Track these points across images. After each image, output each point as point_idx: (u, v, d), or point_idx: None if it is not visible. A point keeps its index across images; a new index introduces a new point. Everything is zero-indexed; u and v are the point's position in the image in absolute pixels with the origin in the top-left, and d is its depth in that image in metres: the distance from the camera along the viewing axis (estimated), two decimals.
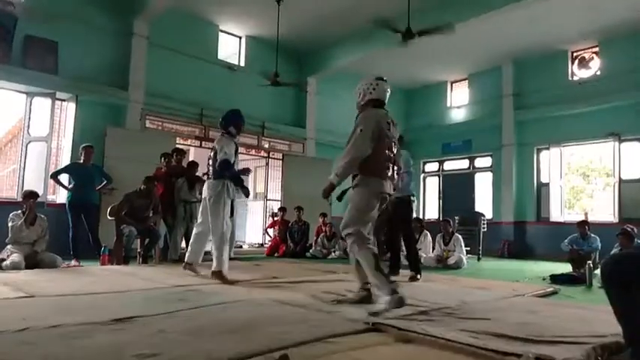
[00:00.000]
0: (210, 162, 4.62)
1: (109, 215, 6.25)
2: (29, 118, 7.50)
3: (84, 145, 6.54)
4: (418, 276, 5.01)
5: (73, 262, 5.87)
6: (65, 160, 7.60)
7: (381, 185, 3.24)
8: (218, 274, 4.36)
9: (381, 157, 3.23)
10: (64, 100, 7.85)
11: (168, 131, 8.90)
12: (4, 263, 5.00)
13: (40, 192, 6.30)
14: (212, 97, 9.31)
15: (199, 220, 4.79)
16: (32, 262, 5.22)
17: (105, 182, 6.67)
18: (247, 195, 4.83)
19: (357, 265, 3.27)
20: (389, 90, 3.49)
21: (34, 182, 7.12)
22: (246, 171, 5.05)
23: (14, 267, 4.91)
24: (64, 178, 6.53)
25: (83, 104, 7.78)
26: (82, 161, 6.43)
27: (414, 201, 5.43)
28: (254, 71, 9.95)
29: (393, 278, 3.22)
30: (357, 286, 3.40)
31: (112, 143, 7.70)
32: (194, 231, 4.86)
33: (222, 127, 4.71)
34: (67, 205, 6.27)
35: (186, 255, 4.86)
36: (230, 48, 10.34)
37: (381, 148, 3.24)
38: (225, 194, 4.49)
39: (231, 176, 4.51)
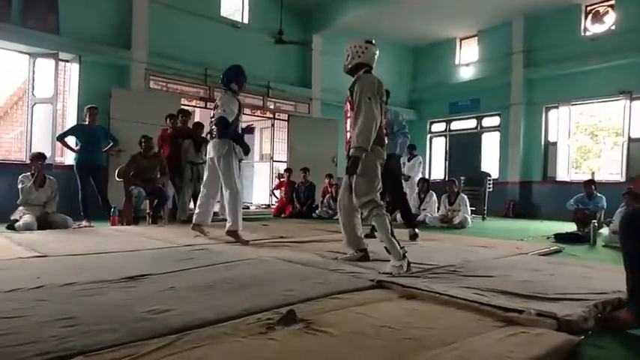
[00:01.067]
0: (214, 120, 4.52)
1: (117, 177, 6.31)
2: (33, 79, 7.44)
3: (88, 106, 6.51)
4: (416, 230, 5.06)
5: (84, 223, 5.97)
6: (71, 121, 7.59)
7: (382, 153, 3.35)
8: (233, 234, 4.35)
9: (381, 125, 3.28)
10: (67, 61, 7.76)
11: (172, 92, 8.81)
12: (17, 224, 5.11)
13: (48, 154, 6.34)
14: (216, 57, 9.14)
15: (205, 181, 4.69)
16: (44, 223, 5.33)
17: (111, 144, 6.69)
18: (247, 153, 4.70)
19: (349, 231, 3.50)
20: (377, 54, 3.45)
21: (42, 144, 7.14)
22: (250, 130, 4.95)
23: (27, 228, 5.02)
24: (71, 140, 6.54)
25: (87, 65, 7.69)
26: (87, 123, 6.42)
27: (404, 163, 5.44)
28: (258, 29, 9.73)
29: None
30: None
31: (117, 104, 7.65)
32: (201, 192, 4.76)
33: (223, 84, 4.60)
34: (74, 167, 6.32)
35: (194, 216, 4.78)
36: (233, 3, 10.03)
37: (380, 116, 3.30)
38: (233, 153, 4.42)
39: (226, 133, 4.38)
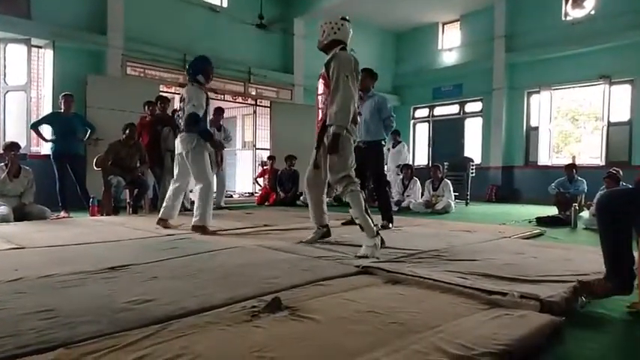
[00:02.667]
0: (181, 114, 4.33)
1: (95, 166, 6.17)
2: (4, 66, 7.20)
3: (63, 93, 6.33)
4: (390, 225, 4.82)
5: (62, 214, 5.84)
6: (46, 109, 7.38)
7: (356, 130, 3.40)
8: (200, 229, 4.15)
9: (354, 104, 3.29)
10: (40, 47, 7.51)
11: (151, 78, 8.63)
12: None
13: (23, 143, 6.16)
14: (195, 42, 8.96)
15: (176, 175, 4.48)
16: (21, 214, 5.20)
17: (89, 132, 6.53)
18: (217, 148, 4.61)
19: (315, 207, 3.60)
20: (351, 32, 3.45)
21: (16, 133, 6.94)
22: (220, 111, 4.81)
23: (2, 219, 4.88)
24: (47, 129, 6.36)
25: (61, 51, 7.46)
26: (62, 110, 6.25)
27: (385, 146, 5.36)
28: (238, 13, 9.56)
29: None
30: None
31: (94, 92, 7.46)
32: (170, 186, 4.55)
33: (189, 76, 4.35)
34: (51, 157, 6.16)
35: (161, 210, 4.55)
36: None
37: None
38: (203, 146, 4.26)
39: (199, 131, 4.19)
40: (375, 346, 1.46)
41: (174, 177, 4.53)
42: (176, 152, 4.44)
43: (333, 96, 3.20)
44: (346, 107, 3.15)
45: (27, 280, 2.27)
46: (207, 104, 4.38)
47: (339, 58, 3.24)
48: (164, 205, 4.55)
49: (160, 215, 4.53)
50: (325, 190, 3.65)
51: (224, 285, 2.20)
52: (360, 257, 2.90)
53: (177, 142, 4.36)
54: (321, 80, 3.40)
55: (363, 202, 3.15)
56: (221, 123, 7.40)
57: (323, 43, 3.42)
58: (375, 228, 3.09)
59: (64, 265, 2.62)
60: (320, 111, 3.39)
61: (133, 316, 1.71)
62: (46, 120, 6.34)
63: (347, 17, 3.42)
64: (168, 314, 1.73)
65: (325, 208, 3.66)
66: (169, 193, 4.53)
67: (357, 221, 3.15)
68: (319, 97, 3.43)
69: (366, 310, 1.83)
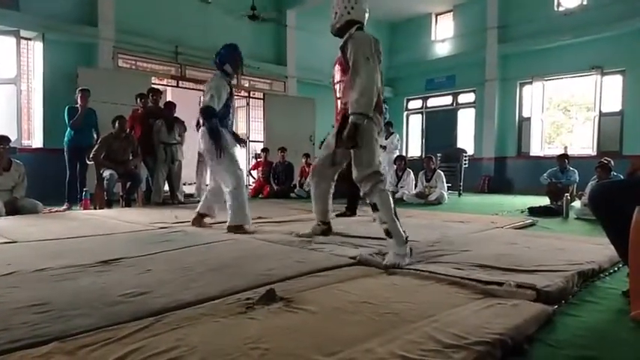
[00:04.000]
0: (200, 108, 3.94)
1: (88, 159, 6.13)
2: None
3: (81, 87, 6.31)
4: (352, 215, 4.79)
5: (65, 206, 5.84)
6: (37, 102, 7.31)
7: (381, 120, 2.95)
8: (237, 228, 3.78)
9: (379, 90, 2.85)
10: (29, 39, 7.40)
11: (142, 70, 8.54)
12: None
13: (13, 137, 6.10)
14: (187, 34, 8.89)
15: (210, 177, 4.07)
16: (12, 208, 5.14)
17: (95, 136, 6.40)
18: (217, 150, 3.82)
19: (319, 201, 3.41)
20: (368, 10, 3.08)
21: (6, 127, 6.86)
22: (241, 142, 4.37)
23: None
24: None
25: (51, 43, 7.36)
26: (78, 105, 6.19)
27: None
28: (230, 4, 9.46)
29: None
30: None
31: (85, 84, 7.27)
32: (208, 187, 4.10)
33: (216, 66, 4.04)
34: (65, 149, 6.15)
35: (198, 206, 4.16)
36: None
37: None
38: (225, 142, 3.87)
39: (208, 127, 3.79)
40: (370, 336, 1.46)
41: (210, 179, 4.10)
42: (198, 149, 4.11)
43: (353, 82, 2.74)
44: (368, 93, 2.68)
45: (20, 274, 2.25)
46: (232, 97, 4.04)
47: (356, 39, 2.83)
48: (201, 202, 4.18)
49: (198, 210, 4.13)
50: (333, 184, 3.42)
51: (218, 277, 2.20)
52: (387, 267, 2.47)
53: (200, 137, 3.94)
54: (337, 67, 3.03)
55: (392, 205, 2.70)
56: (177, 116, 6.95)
57: (336, 26, 3.02)
58: (404, 235, 2.63)
59: (58, 258, 2.61)
60: (339, 101, 3.03)
61: (128, 309, 1.70)
62: (69, 117, 6.18)
63: None
64: (162, 307, 1.73)
65: (330, 203, 3.44)
66: (208, 193, 4.15)
67: (384, 227, 2.66)
68: (336, 86, 3.06)
69: (360, 300, 1.84)
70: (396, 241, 2.61)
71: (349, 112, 2.74)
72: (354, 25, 2.97)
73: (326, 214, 3.49)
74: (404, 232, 2.65)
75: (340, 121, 2.90)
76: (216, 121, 3.81)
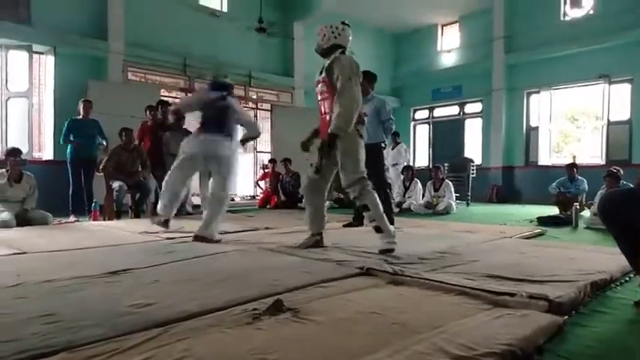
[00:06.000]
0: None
1: (97, 171, 6.19)
2: (6, 72, 7.23)
3: (83, 99, 6.37)
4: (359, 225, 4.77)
5: (72, 218, 5.87)
6: (48, 115, 7.41)
7: (363, 130, 3.39)
8: (203, 239, 3.76)
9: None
10: (41, 54, 7.54)
11: (152, 83, 8.65)
12: None
13: (25, 149, 6.18)
14: (195, 47, 8.99)
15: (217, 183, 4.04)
16: (23, 220, 5.19)
17: (104, 144, 6.45)
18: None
19: (315, 213, 3.48)
20: (351, 37, 3.44)
21: (18, 139, 6.97)
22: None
23: (4, 225, 4.88)
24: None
25: (62, 57, 7.49)
26: (80, 116, 6.26)
27: (385, 147, 5.35)
28: (238, 17, 9.58)
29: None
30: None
31: (95, 97, 7.42)
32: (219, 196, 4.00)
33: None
34: (68, 161, 6.19)
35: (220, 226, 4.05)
36: None
37: None
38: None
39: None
40: (377, 347, 1.45)
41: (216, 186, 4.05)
42: (220, 154, 4.01)
43: (338, 100, 3.15)
44: (350, 112, 3.11)
45: (29, 285, 2.27)
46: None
47: (341, 62, 3.21)
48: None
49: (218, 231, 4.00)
50: (326, 195, 3.58)
51: (225, 288, 2.20)
52: (383, 251, 3.02)
53: (221, 146, 3.99)
54: (320, 86, 3.35)
55: (379, 204, 3.16)
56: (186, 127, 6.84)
57: (322, 47, 3.39)
58: (392, 230, 3.15)
59: (66, 269, 2.62)
60: (327, 116, 3.31)
61: (135, 320, 1.70)
62: (69, 129, 6.25)
63: (347, 22, 3.42)
64: (169, 317, 1.73)
65: (325, 213, 3.55)
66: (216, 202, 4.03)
67: (373, 224, 3.17)
68: (323, 103, 3.36)
69: (367, 311, 1.83)
70: (386, 234, 3.11)
71: (330, 125, 3.14)
72: (338, 48, 3.33)
73: (320, 223, 3.52)
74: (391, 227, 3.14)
75: (326, 134, 3.23)
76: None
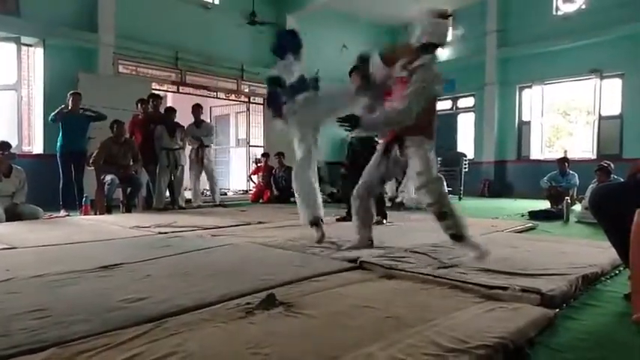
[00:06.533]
0: None
1: (88, 164, 6.13)
2: None
3: (71, 91, 6.28)
4: (384, 220, 4.81)
5: (63, 213, 5.82)
6: (38, 108, 7.31)
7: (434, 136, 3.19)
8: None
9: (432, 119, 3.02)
10: (30, 46, 7.41)
11: (143, 76, 8.54)
12: None
13: (14, 143, 6.10)
14: (187, 40, 8.90)
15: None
16: (12, 214, 5.14)
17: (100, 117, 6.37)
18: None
19: (368, 213, 3.25)
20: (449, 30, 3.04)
21: (7, 133, 6.87)
22: None
23: None
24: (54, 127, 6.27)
25: (51, 49, 7.38)
26: (69, 109, 6.18)
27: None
28: (230, 9, 9.50)
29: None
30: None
31: (85, 90, 7.33)
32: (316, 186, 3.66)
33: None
34: (57, 155, 6.12)
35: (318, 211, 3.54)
36: None
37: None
38: None
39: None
40: (371, 340, 1.46)
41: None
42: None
43: (402, 100, 2.83)
44: (399, 118, 2.82)
45: (19, 280, 2.25)
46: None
47: (431, 72, 2.95)
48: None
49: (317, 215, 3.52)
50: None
51: (218, 282, 2.19)
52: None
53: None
54: (401, 84, 2.99)
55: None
56: (202, 119, 7.38)
57: (415, 45, 3.02)
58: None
59: (57, 264, 2.60)
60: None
61: (127, 315, 1.69)
62: (59, 115, 6.13)
63: (447, 12, 3.01)
64: (161, 312, 1.72)
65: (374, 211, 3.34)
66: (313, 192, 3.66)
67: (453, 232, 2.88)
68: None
69: (361, 305, 1.83)
70: (471, 246, 2.82)
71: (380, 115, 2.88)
72: (433, 47, 3.06)
73: (370, 229, 3.27)
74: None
75: (389, 139, 3.07)
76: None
